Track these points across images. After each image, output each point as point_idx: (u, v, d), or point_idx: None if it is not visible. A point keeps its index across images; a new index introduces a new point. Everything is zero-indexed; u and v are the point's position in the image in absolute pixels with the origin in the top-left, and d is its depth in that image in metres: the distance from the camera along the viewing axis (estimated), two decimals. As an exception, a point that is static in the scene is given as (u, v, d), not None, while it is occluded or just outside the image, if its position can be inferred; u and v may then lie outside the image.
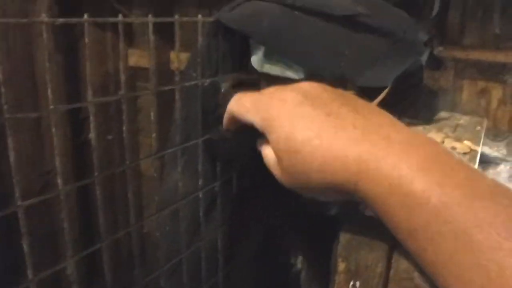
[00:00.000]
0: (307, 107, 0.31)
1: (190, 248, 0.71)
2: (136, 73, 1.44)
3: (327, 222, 0.36)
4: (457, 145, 0.47)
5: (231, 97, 0.42)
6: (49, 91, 0.55)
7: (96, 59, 1.42)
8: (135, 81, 1.46)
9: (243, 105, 0.36)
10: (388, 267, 0.31)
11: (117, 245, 1.44)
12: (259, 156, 0.43)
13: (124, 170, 0.66)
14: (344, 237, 0.31)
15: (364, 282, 0.32)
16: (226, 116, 0.41)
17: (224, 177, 0.71)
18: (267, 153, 0.35)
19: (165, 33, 1.25)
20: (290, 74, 0.76)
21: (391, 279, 0.31)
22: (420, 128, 0.57)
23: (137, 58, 1.43)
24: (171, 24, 1.35)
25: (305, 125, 0.30)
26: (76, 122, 1.35)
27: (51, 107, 0.55)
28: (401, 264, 0.30)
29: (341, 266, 0.32)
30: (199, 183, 0.71)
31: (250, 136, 0.42)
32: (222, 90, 0.43)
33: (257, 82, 0.43)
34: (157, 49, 1.34)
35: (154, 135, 0.67)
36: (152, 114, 0.68)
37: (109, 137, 1.49)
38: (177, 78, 0.65)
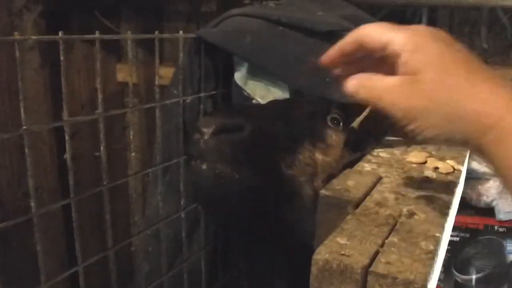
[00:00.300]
0: (456, 45, 0.32)
1: (172, 270, 0.69)
2: (124, 88, 1.42)
3: (308, 252, 0.34)
4: (439, 164, 0.46)
5: (215, 145, 0.41)
6: (22, 110, 0.53)
7: (84, 75, 1.40)
8: (124, 97, 1.44)
9: (385, 26, 0.33)
10: (363, 298, 0.29)
11: (106, 264, 1.40)
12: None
13: (112, 187, 0.64)
14: (315, 267, 0.29)
15: (339, 315, 0.30)
16: (350, 39, 0.35)
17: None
18: (383, 78, 0.33)
19: (153, 48, 1.24)
20: (275, 90, 0.75)
21: (366, 311, 0.29)
22: (402, 146, 0.56)
23: (125, 74, 1.41)
24: (160, 39, 1.33)
25: (461, 54, 0.31)
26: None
27: (24, 127, 0.53)
28: (376, 296, 0.29)
29: (313, 297, 0.30)
30: (181, 203, 0.69)
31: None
32: (205, 137, 0.42)
33: (242, 126, 0.42)
34: (145, 64, 1.33)
35: (133, 154, 0.65)
36: (131, 132, 0.66)
37: (97, 154, 1.46)
38: (157, 95, 0.64)
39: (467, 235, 0.71)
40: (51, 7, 1.23)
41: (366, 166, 0.47)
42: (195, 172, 0.45)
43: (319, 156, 0.49)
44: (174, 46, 0.98)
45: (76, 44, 1.33)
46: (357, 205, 0.38)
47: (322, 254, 0.29)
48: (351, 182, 0.41)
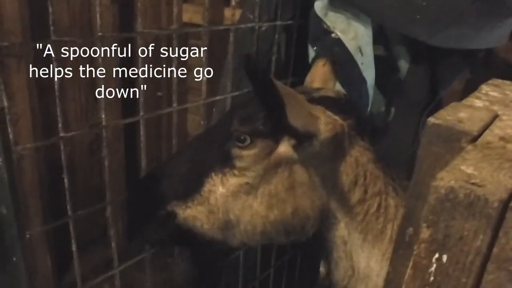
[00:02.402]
0: None
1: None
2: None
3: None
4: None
5: None
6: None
7: (150, 14, 1.39)
8: (188, 38, 1.42)
9: None
10: (492, 242, 0.23)
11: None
12: None
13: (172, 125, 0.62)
14: (434, 196, 0.23)
15: (454, 257, 0.24)
16: None
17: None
18: None
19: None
20: (356, 25, 0.66)
21: (493, 258, 0.23)
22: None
23: (191, 14, 1.38)
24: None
25: None
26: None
27: (99, 34, 0.51)
28: (511, 240, 0.23)
29: (425, 233, 0.24)
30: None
31: None
32: None
33: None
34: (211, 6, 1.28)
35: (204, 78, 0.60)
36: (202, 52, 0.60)
37: (159, 93, 1.47)
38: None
39: None
40: None
41: (476, 102, 0.39)
42: None
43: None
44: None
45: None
46: (474, 139, 0.31)
47: (445, 180, 0.23)
48: (463, 115, 0.34)
